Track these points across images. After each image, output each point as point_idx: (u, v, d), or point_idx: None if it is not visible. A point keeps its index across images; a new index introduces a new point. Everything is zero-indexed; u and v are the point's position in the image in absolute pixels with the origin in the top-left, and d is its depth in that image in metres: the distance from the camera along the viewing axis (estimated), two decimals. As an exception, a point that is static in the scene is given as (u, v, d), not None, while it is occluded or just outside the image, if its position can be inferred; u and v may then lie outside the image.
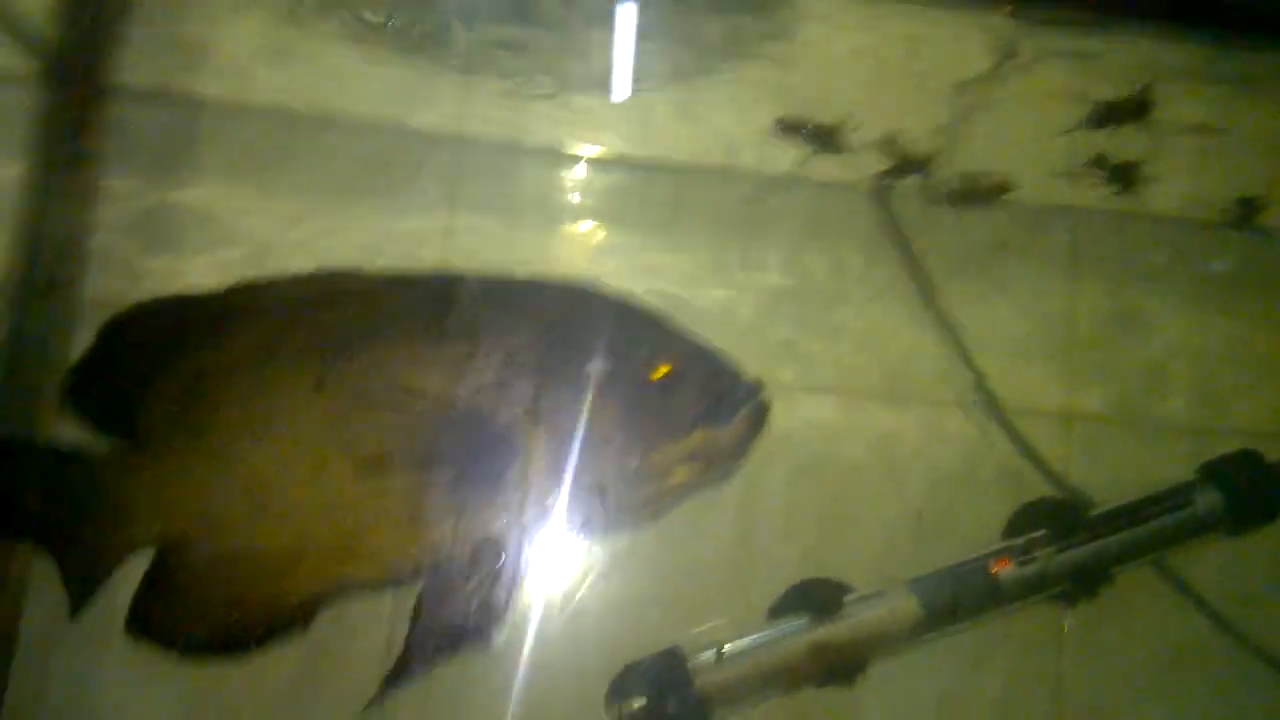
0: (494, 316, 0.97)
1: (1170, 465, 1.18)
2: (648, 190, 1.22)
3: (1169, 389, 1.28)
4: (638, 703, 1.03)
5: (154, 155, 1.13)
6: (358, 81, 1.17)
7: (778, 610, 1.08)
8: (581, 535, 1.01)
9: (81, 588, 0.96)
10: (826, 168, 1.22)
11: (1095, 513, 1.11)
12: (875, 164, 1.23)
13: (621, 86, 1.18)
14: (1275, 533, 1.16)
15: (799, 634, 1.05)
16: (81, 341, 1.07)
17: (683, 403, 0.96)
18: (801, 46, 1.25)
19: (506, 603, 0.96)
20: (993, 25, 1.24)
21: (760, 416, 1.00)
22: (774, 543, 1.19)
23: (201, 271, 1.10)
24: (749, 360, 1.15)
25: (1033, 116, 1.26)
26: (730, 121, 1.24)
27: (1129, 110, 1.23)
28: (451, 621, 0.95)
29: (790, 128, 1.20)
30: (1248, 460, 1.13)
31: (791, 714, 1.13)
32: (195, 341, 0.97)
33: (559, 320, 0.98)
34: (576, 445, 0.94)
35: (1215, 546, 1.17)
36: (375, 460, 0.93)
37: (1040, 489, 1.20)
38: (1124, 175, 1.24)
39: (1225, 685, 1.20)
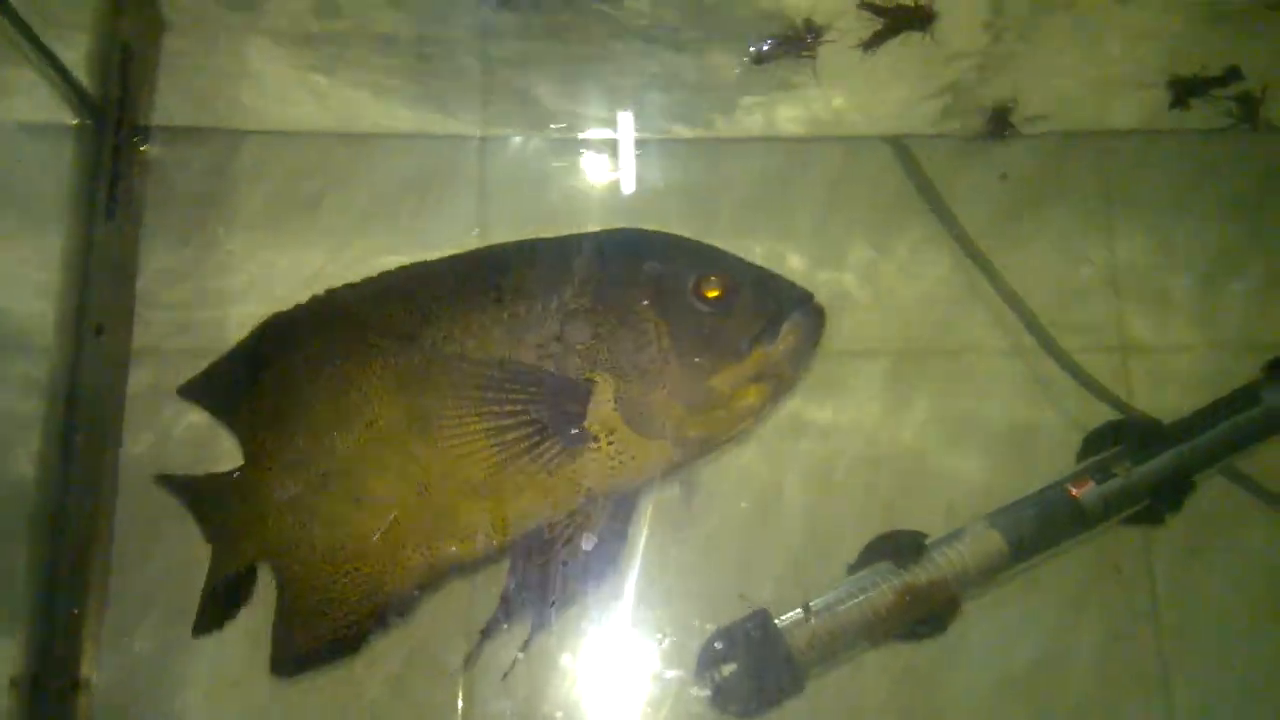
0: (542, 273, 0.97)
1: (1232, 382, 1.15)
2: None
3: (1219, 307, 1.26)
4: (729, 668, 1.01)
5: (195, 195, 1.16)
6: (384, 101, 1.20)
7: (858, 565, 1.06)
8: (662, 480, 0.99)
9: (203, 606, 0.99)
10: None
11: (1168, 423, 1.09)
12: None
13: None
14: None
15: (885, 582, 1.03)
16: (136, 382, 1.10)
17: (738, 322, 0.94)
18: None
19: (600, 560, 0.96)
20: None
21: (816, 325, 0.96)
22: (847, 502, 1.18)
23: (248, 306, 1.12)
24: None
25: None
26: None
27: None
28: (543, 579, 0.95)
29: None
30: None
31: (893, 673, 1.11)
32: (281, 349, 1.00)
33: (605, 263, 0.97)
34: (641, 382, 0.93)
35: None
36: (456, 437, 0.93)
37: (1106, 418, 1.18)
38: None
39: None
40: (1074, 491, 1.05)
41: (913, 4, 1.14)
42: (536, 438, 0.93)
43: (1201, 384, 1.20)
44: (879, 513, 1.15)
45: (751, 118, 1.26)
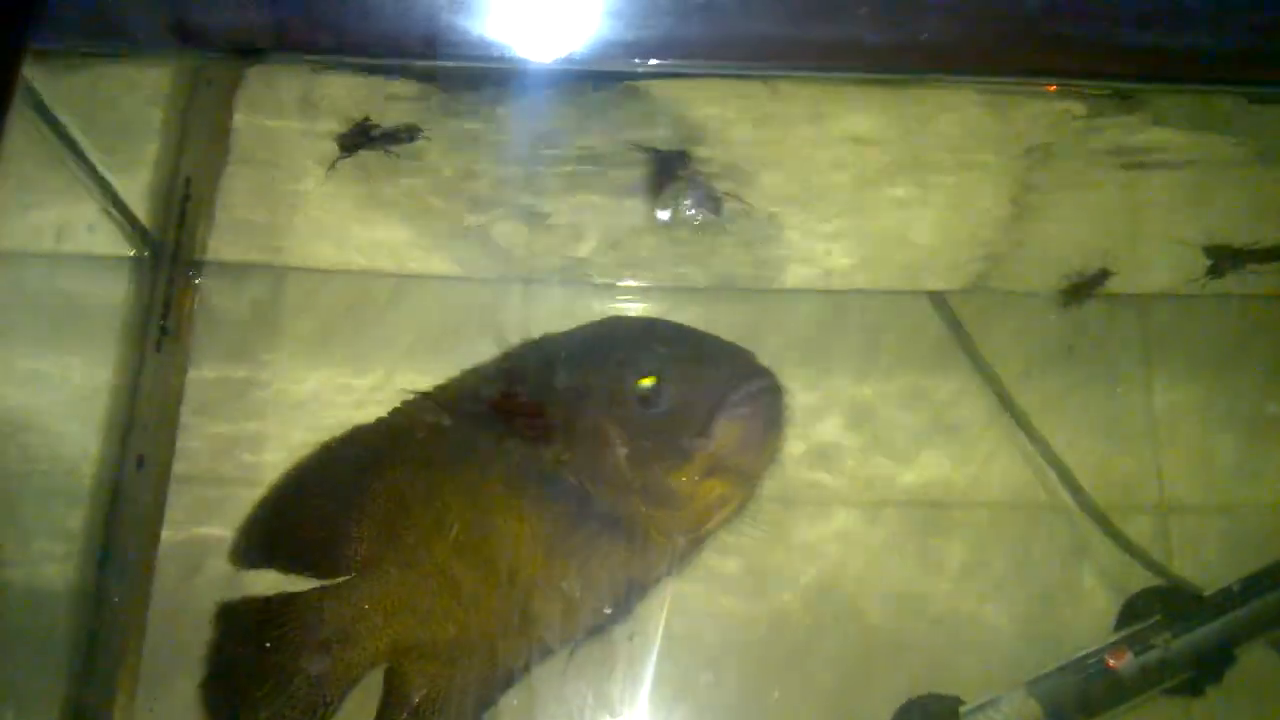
0: (539, 381, 0.99)
1: (1276, 546, 1.14)
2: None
3: (1262, 469, 1.25)
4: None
5: (242, 328, 1.18)
6: (429, 239, 1.22)
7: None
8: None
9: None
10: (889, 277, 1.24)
11: (1207, 594, 1.07)
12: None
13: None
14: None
15: (917, 752, 1.01)
16: (175, 515, 1.11)
17: (675, 421, 0.92)
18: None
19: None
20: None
21: (762, 410, 0.93)
22: (880, 663, 1.15)
23: (291, 437, 1.14)
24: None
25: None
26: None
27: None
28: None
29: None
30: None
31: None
32: (373, 463, 1.01)
33: (578, 371, 0.98)
34: (610, 491, 0.93)
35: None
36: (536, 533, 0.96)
37: (1144, 583, 1.16)
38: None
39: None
40: (1112, 663, 1.03)
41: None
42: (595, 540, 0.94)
43: (1243, 547, 1.19)
44: (911, 671, 1.12)
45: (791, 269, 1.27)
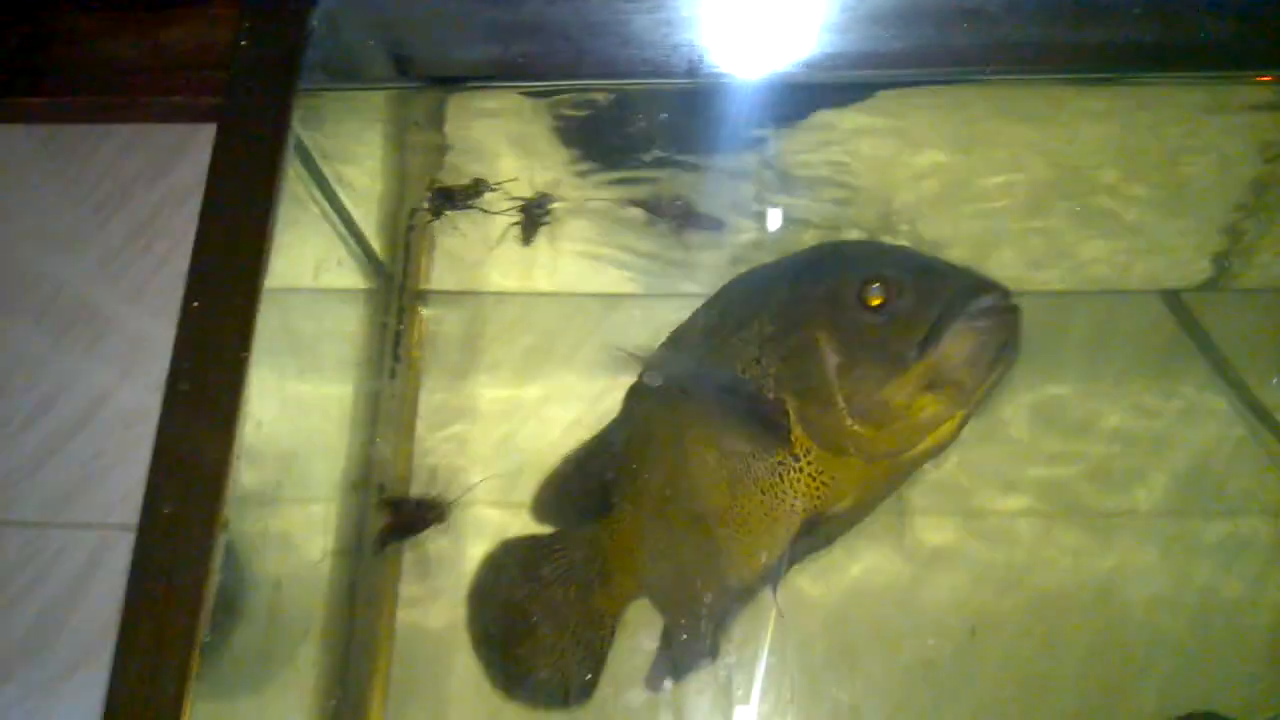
0: (751, 300, 0.98)
1: None
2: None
3: None
4: None
5: (459, 353, 1.20)
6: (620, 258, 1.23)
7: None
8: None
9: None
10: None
11: None
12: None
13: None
14: None
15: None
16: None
17: (901, 329, 0.87)
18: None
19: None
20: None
21: (996, 327, 0.87)
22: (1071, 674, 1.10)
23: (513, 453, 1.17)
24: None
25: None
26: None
27: None
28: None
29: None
30: None
31: None
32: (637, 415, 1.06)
33: (791, 284, 0.96)
34: (816, 400, 0.90)
35: None
36: (705, 470, 0.98)
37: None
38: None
39: None
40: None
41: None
42: (749, 459, 0.94)
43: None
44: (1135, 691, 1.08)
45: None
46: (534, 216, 1.14)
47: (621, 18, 0.99)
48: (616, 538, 1.04)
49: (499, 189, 1.14)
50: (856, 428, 0.89)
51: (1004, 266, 1.20)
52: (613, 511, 1.05)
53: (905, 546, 1.12)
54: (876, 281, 0.89)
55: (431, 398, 1.17)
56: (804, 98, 1.09)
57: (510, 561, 1.07)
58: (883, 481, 0.96)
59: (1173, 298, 1.20)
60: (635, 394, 1.06)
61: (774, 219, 1.20)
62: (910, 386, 0.87)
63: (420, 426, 1.16)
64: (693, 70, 1.01)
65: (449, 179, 1.12)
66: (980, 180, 1.19)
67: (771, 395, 0.92)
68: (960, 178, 1.20)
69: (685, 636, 1.02)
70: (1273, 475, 1.16)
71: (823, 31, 1.02)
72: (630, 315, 1.24)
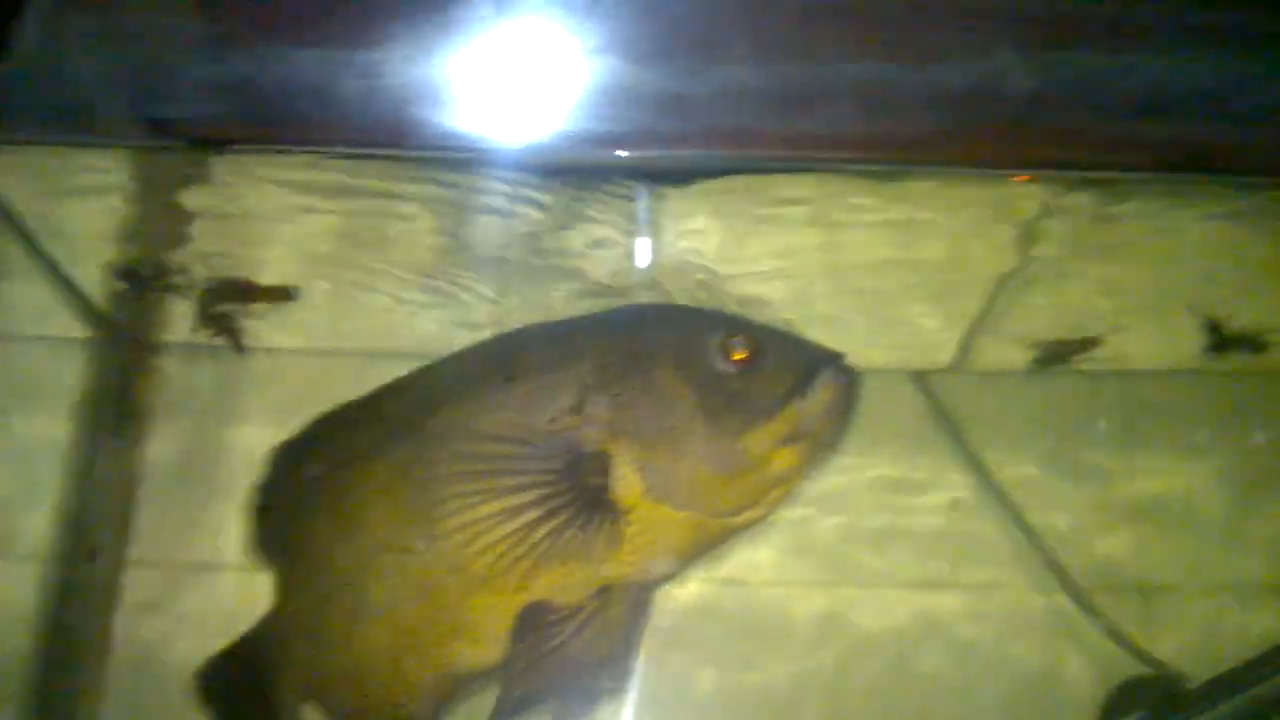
0: (556, 348, 0.93)
1: (1262, 626, 1.13)
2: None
3: (1245, 551, 1.22)
4: None
5: (199, 409, 1.15)
6: (399, 320, 1.19)
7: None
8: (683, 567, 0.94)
9: None
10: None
11: (1193, 686, 1.05)
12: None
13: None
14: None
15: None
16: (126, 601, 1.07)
17: (766, 381, 0.89)
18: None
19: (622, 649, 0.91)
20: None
21: (851, 383, 0.90)
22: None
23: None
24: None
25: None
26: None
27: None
28: (541, 679, 0.89)
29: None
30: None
31: None
32: (286, 474, 0.97)
33: (623, 334, 0.94)
34: (667, 449, 0.87)
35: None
36: (462, 526, 0.87)
37: (1129, 669, 1.14)
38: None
39: None
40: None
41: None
42: (552, 517, 0.87)
43: (1227, 626, 1.17)
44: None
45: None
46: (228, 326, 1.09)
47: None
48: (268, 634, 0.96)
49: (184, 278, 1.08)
50: (708, 477, 0.88)
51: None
52: (281, 580, 0.97)
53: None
54: (740, 335, 0.90)
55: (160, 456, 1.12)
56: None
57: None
58: (705, 545, 0.94)
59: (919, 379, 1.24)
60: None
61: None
62: (770, 438, 0.88)
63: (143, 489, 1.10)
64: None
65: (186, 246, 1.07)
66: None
67: (592, 447, 0.88)
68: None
69: None
70: (1008, 550, 1.20)
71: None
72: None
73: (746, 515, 0.91)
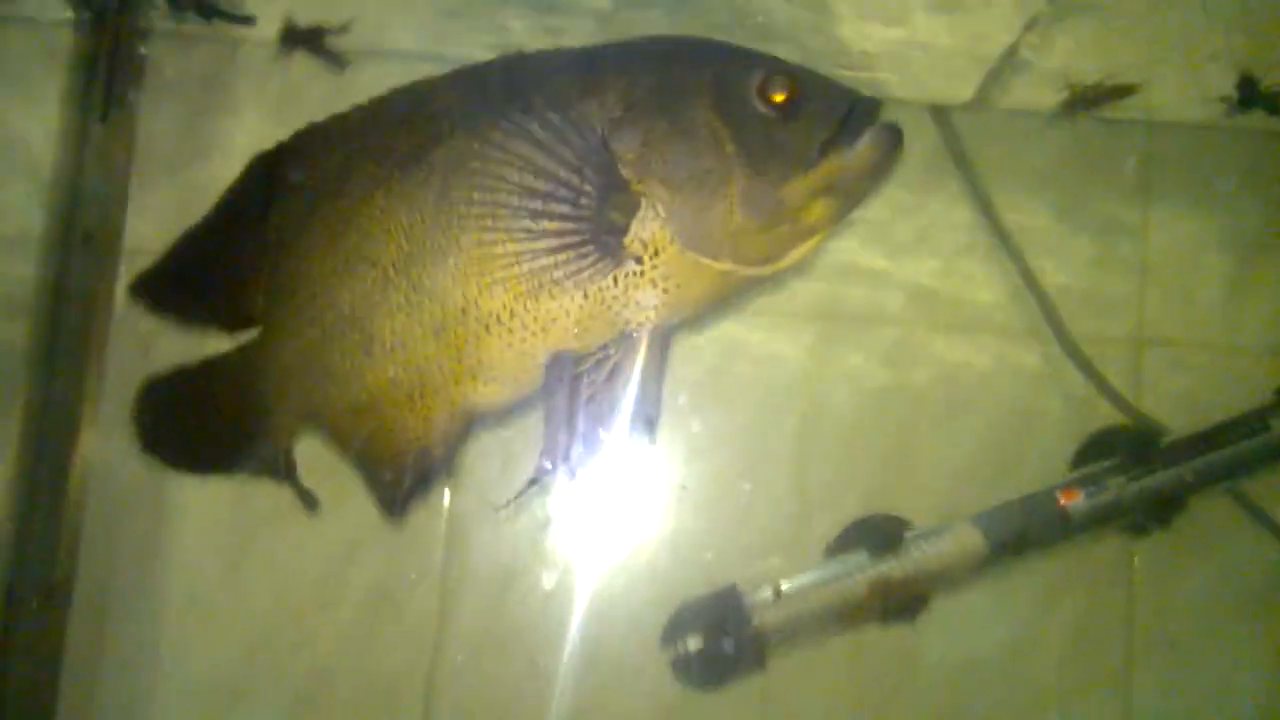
0: (579, 78, 0.86)
1: (1250, 389, 1.13)
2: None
3: (1245, 310, 1.22)
4: (694, 642, 1.01)
5: (191, 97, 1.12)
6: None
7: (836, 548, 1.05)
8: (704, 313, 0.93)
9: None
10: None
11: (1168, 440, 1.06)
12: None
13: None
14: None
15: (859, 571, 1.03)
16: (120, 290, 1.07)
17: (808, 128, 0.83)
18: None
19: (653, 393, 0.89)
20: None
21: (896, 138, 0.85)
22: (835, 477, 1.17)
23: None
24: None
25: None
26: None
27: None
28: (570, 420, 0.87)
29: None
30: (1329, 382, 1.08)
31: (855, 651, 1.12)
32: (271, 193, 0.93)
33: (654, 65, 0.87)
34: (699, 193, 0.83)
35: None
36: (477, 262, 0.86)
37: (1110, 418, 1.16)
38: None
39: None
40: (1063, 501, 1.04)
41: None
42: (573, 252, 0.83)
43: (1215, 384, 1.19)
44: (867, 484, 1.16)
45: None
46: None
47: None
48: (263, 359, 0.94)
49: None
50: (743, 225, 0.84)
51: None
52: (270, 307, 0.94)
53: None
54: (781, 76, 0.85)
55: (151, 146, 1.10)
56: None
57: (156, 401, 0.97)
58: (729, 294, 0.91)
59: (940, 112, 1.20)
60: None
61: None
62: (808, 188, 0.84)
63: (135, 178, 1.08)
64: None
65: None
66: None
67: (619, 186, 0.83)
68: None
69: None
70: (1006, 292, 1.20)
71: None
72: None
73: (773, 265, 0.87)
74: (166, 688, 1.11)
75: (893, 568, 1.03)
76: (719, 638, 1.01)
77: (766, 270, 0.88)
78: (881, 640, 1.11)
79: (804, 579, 1.03)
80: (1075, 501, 1.04)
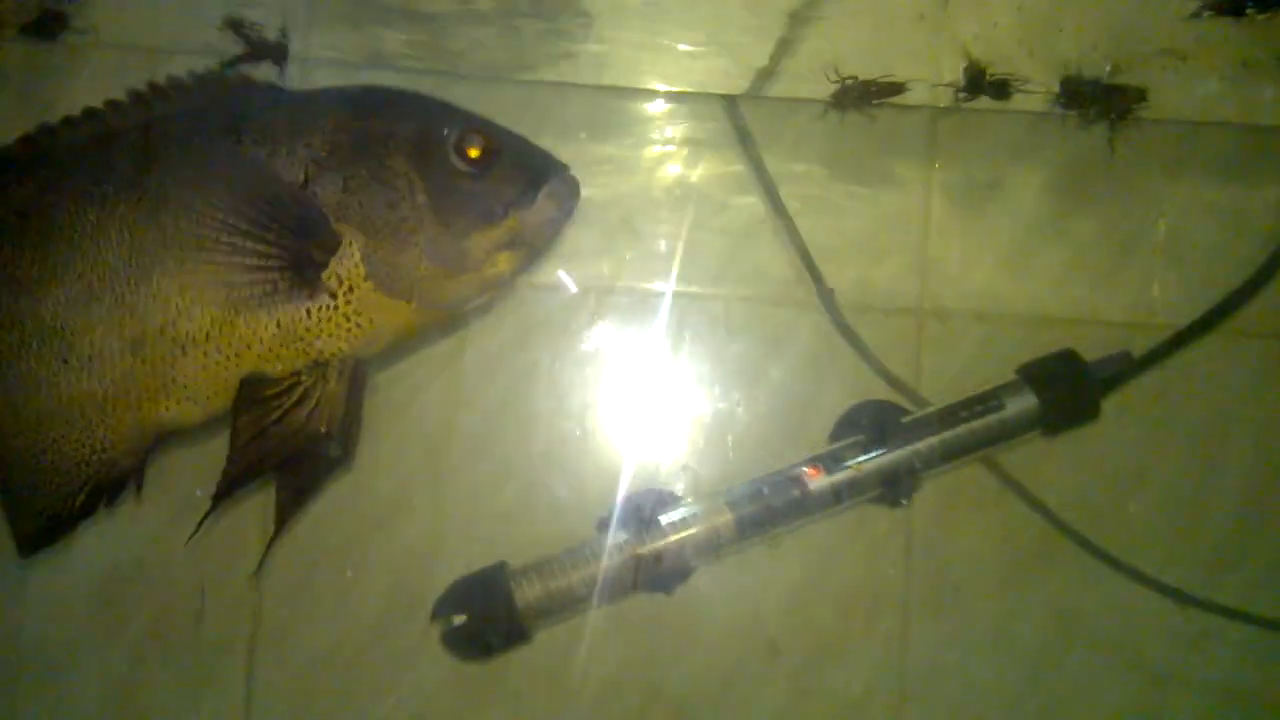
0: (289, 118, 0.93)
1: (1023, 354, 1.17)
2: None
3: (1027, 280, 1.27)
4: (459, 619, 1.09)
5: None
6: None
7: (602, 524, 1.12)
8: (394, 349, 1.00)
9: None
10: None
11: (907, 419, 1.12)
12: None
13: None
14: (1100, 432, 1.17)
15: (616, 550, 1.09)
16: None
17: (496, 185, 0.93)
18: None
19: (342, 420, 0.96)
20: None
21: (572, 194, 0.96)
22: (606, 446, 1.23)
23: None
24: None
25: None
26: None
27: None
28: (262, 449, 0.93)
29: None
30: (1063, 361, 1.13)
31: (621, 617, 1.19)
32: None
33: (359, 115, 0.94)
34: (393, 239, 0.91)
35: (1050, 447, 1.19)
36: (178, 284, 0.91)
37: (879, 393, 1.22)
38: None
39: (1066, 580, 1.24)
40: (806, 479, 1.10)
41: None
42: (269, 283, 0.91)
43: (992, 356, 1.23)
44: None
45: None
46: None
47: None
48: None
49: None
50: (430, 272, 0.92)
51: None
52: None
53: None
54: (477, 134, 0.93)
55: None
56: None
57: None
58: (419, 332, 0.99)
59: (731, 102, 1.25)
60: None
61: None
62: (494, 240, 0.93)
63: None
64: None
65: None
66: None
67: (321, 224, 0.91)
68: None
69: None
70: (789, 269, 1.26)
71: None
72: None
73: (460, 308, 0.98)
74: None
75: (647, 544, 1.09)
76: (483, 614, 1.08)
77: (454, 312, 0.98)
78: (650, 609, 1.18)
79: (564, 558, 1.09)
80: (817, 480, 1.10)
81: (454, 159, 0.92)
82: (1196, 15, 1.14)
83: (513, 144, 0.95)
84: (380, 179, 0.91)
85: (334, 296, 0.92)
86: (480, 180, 0.93)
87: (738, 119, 1.25)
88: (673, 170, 1.27)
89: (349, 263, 0.92)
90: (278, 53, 1.17)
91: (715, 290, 1.26)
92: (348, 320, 0.93)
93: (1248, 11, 1.12)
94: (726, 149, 1.27)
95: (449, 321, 1.01)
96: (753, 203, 1.27)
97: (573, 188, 0.96)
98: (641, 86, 1.26)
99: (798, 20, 1.20)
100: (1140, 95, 1.17)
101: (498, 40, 1.22)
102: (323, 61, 1.21)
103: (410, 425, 1.23)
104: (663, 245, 1.26)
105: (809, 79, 1.22)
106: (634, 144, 1.27)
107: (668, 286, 1.25)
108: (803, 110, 1.25)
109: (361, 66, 1.22)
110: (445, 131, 0.92)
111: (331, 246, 0.91)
